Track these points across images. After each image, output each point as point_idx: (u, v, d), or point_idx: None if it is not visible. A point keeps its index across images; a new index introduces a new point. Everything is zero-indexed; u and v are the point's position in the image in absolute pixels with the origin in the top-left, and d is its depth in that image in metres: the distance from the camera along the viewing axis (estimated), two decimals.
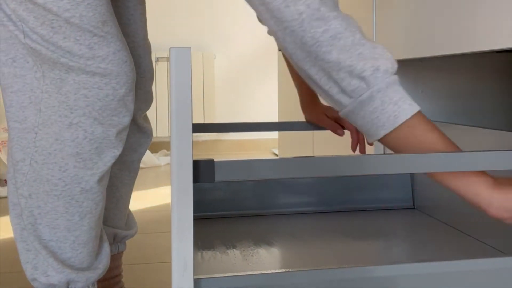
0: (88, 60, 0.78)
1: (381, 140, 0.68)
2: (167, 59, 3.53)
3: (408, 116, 0.66)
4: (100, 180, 0.83)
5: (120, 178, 1.06)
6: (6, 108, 0.81)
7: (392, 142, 0.67)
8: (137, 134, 1.06)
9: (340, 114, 0.69)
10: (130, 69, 0.82)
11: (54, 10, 0.76)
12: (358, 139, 1.09)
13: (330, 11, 0.68)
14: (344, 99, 0.67)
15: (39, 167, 0.81)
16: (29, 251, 0.83)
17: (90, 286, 0.86)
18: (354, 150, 1.10)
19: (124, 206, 1.09)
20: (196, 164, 0.51)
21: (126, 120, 0.83)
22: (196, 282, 0.50)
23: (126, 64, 0.81)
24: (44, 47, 0.78)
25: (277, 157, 0.55)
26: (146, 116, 1.09)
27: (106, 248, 0.90)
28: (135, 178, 1.10)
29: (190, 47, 0.47)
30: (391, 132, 0.66)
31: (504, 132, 0.89)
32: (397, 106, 0.66)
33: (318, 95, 0.72)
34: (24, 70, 0.80)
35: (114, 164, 1.04)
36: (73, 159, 0.80)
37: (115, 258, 1.09)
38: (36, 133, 0.80)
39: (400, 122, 0.65)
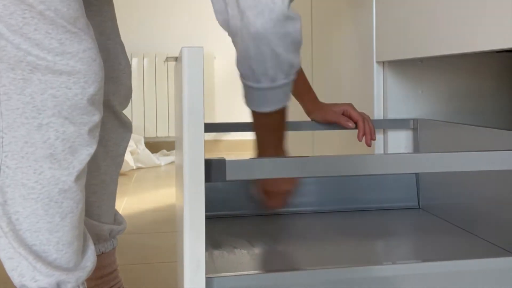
0: (56, 55, 0.76)
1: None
2: (167, 59, 3.53)
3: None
4: (77, 179, 0.81)
5: (109, 174, 1.07)
6: None
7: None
8: (119, 129, 1.07)
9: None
10: (99, 68, 0.80)
11: (30, 0, 0.74)
12: (365, 129, 1.10)
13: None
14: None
15: (12, 172, 0.78)
16: (11, 259, 0.80)
17: (80, 286, 0.85)
18: (360, 140, 1.10)
19: (114, 201, 1.10)
20: (208, 163, 0.51)
21: (96, 118, 0.81)
22: (208, 281, 0.50)
23: (96, 63, 0.79)
24: (8, 41, 0.75)
25: (287, 157, 0.55)
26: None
27: (91, 246, 0.89)
28: (119, 172, 1.11)
29: (202, 47, 0.48)
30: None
31: (504, 132, 0.89)
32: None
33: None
34: None
35: (102, 161, 1.04)
36: (47, 160, 0.78)
37: (111, 254, 1.09)
38: (2, 137, 0.78)
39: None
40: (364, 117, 1.12)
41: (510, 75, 1.26)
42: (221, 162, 0.50)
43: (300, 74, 1.19)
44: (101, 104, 0.83)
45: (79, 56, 0.77)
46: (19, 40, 0.75)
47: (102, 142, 1.04)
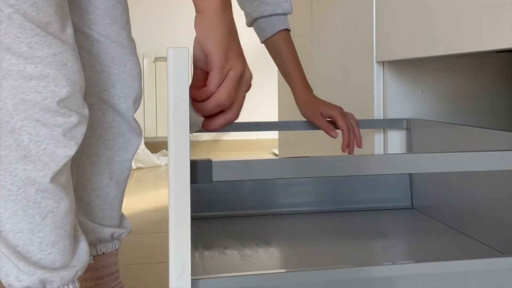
0: (26, 59, 0.77)
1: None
2: (156, 59, 3.53)
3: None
4: (53, 179, 0.81)
5: (114, 178, 1.06)
6: None
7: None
8: (128, 134, 1.06)
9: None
10: (71, 71, 0.80)
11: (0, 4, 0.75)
12: (349, 140, 1.09)
13: None
14: None
15: None
16: None
17: (69, 284, 0.85)
18: (344, 150, 1.10)
19: (119, 205, 1.10)
20: (194, 164, 0.51)
21: (73, 119, 0.81)
22: (194, 282, 0.50)
23: (66, 67, 0.80)
24: None
25: (276, 157, 0.55)
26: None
27: (83, 247, 0.89)
28: (128, 177, 1.10)
29: (188, 47, 0.47)
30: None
31: (504, 132, 0.89)
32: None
33: None
34: None
35: (107, 165, 1.04)
36: (21, 162, 0.79)
37: (112, 255, 1.09)
38: None
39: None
40: (352, 123, 1.12)
41: (510, 75, 1.25)
42: (207, 163, 0.50)
43: (291, 52, 1.18)
44: (81, 106, 0.83)
45: (48, 60, 0.78)
46: None
47: (108, 147, 1.04)
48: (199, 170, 0.51)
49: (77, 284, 0.87)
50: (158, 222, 1.94)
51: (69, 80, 0.80)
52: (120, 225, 1.11)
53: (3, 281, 0.82)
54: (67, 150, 0.82)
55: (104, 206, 1.05)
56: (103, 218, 1.06)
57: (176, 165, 0.49)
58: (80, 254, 0.88)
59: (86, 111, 0.84)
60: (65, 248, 0.85)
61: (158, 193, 2.47)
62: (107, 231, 1.06)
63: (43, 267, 0.83)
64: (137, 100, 1.06)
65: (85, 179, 1.02)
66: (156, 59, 3.53)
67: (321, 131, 1.20)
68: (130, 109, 1.05)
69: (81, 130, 0.84)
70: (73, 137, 0.82)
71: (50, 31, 0.79)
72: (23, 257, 0.81)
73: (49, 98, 0.79)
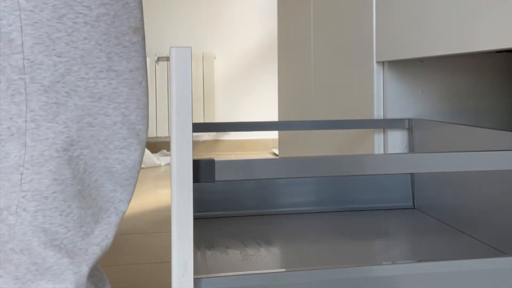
0: (100, 72, 0.64)
1: None
2: (167, 58, 3.54)
3: None
4: (97, 222, 0.69)
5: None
6: None
7: None
8: None
9: None
10: (143, 92, 0.69)
11: (88, 1, 0.63)
12: None
13: None
14: None
15: (30, 216, 0.63)
16: None
17: None
18: None
19: None
20: (196, 163, 0.51)
21: (136, 154, 0.69)
22: (196, 282, 0.50)
23: (140, 86, 0.68)
24: (47, 55, 0.61)
25: (277, 157, 0.55)
26: None
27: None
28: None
29: (191, 47, 0.48)
30: None
31: (504, 132, 0.89)
32: None
33: None
34: None
35: None
36: (76, 199, 0.65)
37: None
38: (21, 174, 0.63)
39: None
40: None
41: (510, 75, 1.26)
42: (210, 162, 0.51)
43: None
44: (145, 138, 0.71)
45: (124, 76, 0.67)
46: (60, 50, 0.62)
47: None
48: (202, 170, 0.51)
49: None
50: (158, 222, 1.94)
51: (140, 102, 0.69)
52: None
53: None
54: (119, 195, 0.70)
55: None
56: None
57: (179, 164, 0.49)
58: None
59: (144, 145, 0.72)
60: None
61: (158, 193, 2.47)
62: None
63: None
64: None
65: None
66: (159, 59, 3.54)
67: (321, 132, 1.20)
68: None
69: (138, 170, 0.71)
70: (130, 177, 0.70)
71: (135, 40, 0.68)
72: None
73: (118, 123, 0.67)
